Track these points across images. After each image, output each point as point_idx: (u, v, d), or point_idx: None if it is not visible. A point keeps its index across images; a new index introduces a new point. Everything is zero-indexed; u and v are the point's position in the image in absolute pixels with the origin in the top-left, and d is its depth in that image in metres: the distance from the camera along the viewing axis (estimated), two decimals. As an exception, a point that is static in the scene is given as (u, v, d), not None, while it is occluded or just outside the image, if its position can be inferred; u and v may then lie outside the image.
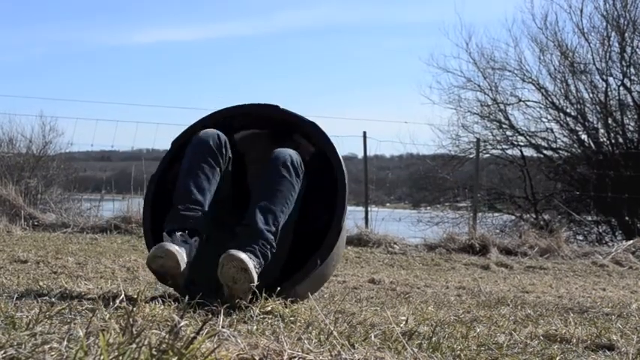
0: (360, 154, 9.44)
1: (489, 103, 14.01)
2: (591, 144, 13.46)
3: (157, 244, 2.71)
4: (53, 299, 2.33)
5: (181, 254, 2.42)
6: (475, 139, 11.65)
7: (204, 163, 2.69)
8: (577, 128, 13.65)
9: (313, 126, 2.90)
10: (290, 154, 2.74)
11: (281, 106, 2.92)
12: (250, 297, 2.40)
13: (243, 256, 2.40)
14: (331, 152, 2.86)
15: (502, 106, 13.96)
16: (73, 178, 10.95)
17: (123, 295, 2.08)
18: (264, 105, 2.95)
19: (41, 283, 3.02)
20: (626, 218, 12.57)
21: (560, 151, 13.96)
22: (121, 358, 1.28)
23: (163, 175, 2.93)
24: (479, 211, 10.23)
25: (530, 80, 13.84)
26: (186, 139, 2.91)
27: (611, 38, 13.35)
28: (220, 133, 2.75)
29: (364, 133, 9.33)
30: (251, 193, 2.77)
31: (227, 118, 2.95)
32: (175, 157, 2.93)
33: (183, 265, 2.42)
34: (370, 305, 3.04)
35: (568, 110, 13.65)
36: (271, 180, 2.69)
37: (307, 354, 1.55)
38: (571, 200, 13.22)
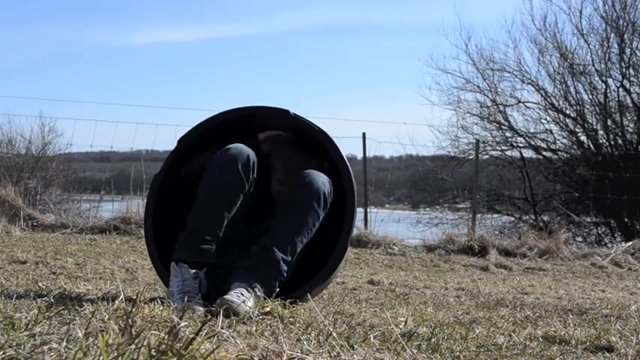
0: (360, 155, 9.46)
1: (489, 105, 14.02)
2: (590, 145, 13.46)
3: (159, 250, 2.70)
4: (52, 300, 2.33)
5: (201, 309, 2.36)
6: (474, 141, 11.66)
7: (228, 188, 2.61)
8: (576, 129, 13.66)
9: (324, 135, 2.85)
10: (323, 182, 2.68)
11: (292, 112, 2.85)
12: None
13: (234, 301, 2.32)
14: (342, 166, 2.82)
15: (501, 108, 13.96)
16: (73, 179, 10.95)
17: (122, 296, 2.08)
18: (274, 109, 2.87)
19: (40, 284, 3.02)
20: (626, 220, 12.56)
21: (560, 153, 13.96)
22: (120, 358, 1.28)
23: (166, 176, 2.89)
24: (478, 213, 10.23)
25: (530, 81, 13.85)
26: (192, 139, 2.87)
27: (611, 40, 13.36)
28: (250, 153, 2.64)
29: (363, 134, 9.35)
30: (277, 209, 2.72)
31: (236, 119, 2.89)
32: (179, 157, 2.89)
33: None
34: (369, 306, 3.03)
35: (567, 111, 13.65)
36: (300, 208, 2.65)
37: (306, 355, 1.55)
38: (570, 202, 13.22)
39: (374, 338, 1.88)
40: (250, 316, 2.20)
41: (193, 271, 2.50)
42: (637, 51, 13.38)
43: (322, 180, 2.69)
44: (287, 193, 2.76)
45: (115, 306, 1.97)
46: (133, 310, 1.85)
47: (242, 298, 2.34)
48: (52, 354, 1.35)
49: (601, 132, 13.46)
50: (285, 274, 2.59)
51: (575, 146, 13.76)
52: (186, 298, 2.38)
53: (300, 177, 2.69)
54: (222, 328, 1.74)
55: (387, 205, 14.70)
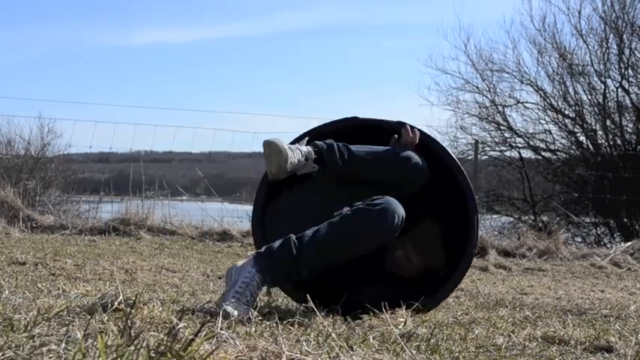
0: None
1: (487, 105, 14.01)
2: (589, 146, 13.46)
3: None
4: (51, 301, 2.33)
5: (291, 156, 2.49)
6: (473, 141, 11.65)
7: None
8: (575, 130, 13.66)
9: (475, 212, 3.00)
10: (398, 214, 2.56)
11: (465, 175, 3.11)
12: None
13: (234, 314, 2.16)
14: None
15: (500, 108, 13.96)
16: (72, 180, 10.96)
17: (121, 297, 2.08)
18: (451, 159, 3.18)
19: (39, 285, 3.02)
20: (625, 220, 12.56)
21: (559, 153, 13.96)
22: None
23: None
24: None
25: (529, 82, 13.85)
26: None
27: (610, 40, 13.36)
28: None
29: (363, 134, 9.32)
30: (340, 214, 2.57)
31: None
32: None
33: (289, 164, 2.48)
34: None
35: (566, 112, 13.65)
36: (362, 225, 2.52)
37: (305, 356, 1.55)
38: (569, 202, 13.22)
39: (373, 339, 1.88)
40: (250, 317, 2.19)
41: (310, 154, 2.62)
42: (636, 51, 13.39)
43: (398, 212, 2.56)
44: (361, 204, 2.59)
45: (114, 307, 1.97)
46: (132, 311, 1.85)
47: (236, 312, 2.17)
48: (52, 355, 1.35)
49: (600, 132, 13.46)
50: (294, 280, 2.51)
51: (574, 146, 13.77)
52: (231, 301, 2.23)
53: (377, 199, 2.58)
54: (221, 329, 1.74)
55: (387, 206, 14.64)
